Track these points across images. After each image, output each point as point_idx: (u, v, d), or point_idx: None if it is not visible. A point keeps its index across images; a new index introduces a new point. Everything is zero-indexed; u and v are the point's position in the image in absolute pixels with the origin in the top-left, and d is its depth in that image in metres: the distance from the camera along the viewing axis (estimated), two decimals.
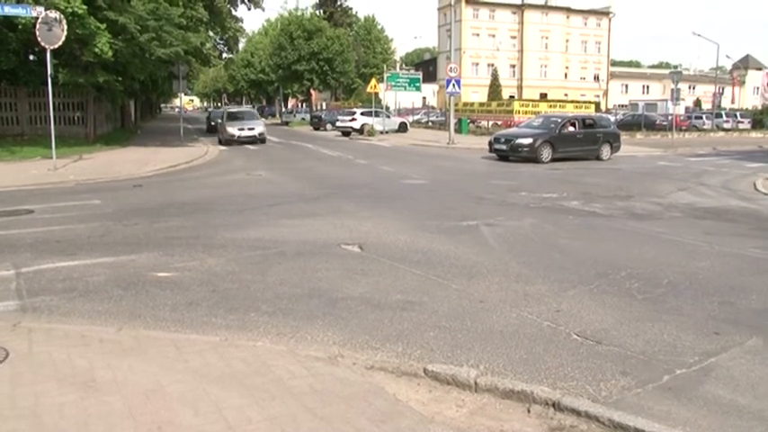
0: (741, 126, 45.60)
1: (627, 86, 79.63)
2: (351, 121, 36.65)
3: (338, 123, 38.42)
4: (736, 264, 6.99)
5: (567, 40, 75.42)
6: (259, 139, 26.83)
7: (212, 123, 36.26)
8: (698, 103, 65.01)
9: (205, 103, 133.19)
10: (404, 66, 74.66)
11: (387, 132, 35.63)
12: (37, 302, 5.44)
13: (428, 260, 6.92)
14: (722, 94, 57.59)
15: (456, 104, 33.91)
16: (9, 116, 24.03)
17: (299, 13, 61.28)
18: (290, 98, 72.19)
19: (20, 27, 18.07)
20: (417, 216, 9.78)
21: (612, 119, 32.61)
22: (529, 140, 19.73)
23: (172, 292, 5.73)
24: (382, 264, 6.76)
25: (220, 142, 26.94)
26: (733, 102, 63.37)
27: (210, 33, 30.21)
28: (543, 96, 59.00)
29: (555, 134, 20.14)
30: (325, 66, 57.31)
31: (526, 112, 33.59)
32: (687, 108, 56.00)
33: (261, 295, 5.67)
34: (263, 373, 3.85)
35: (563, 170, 17.57)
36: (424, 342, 4.58)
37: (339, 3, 67.41)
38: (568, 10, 74.91)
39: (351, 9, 70.13)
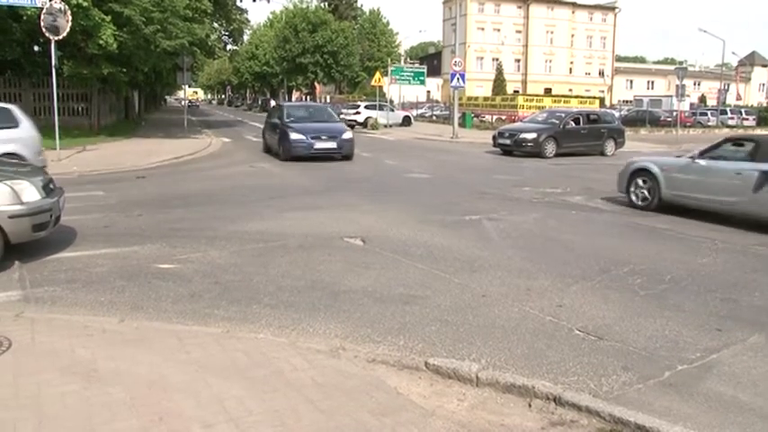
0: (746, 123, 45.28)
1: (632, 82, 79.39)
2: (355, 114, 36.57)
3: (342, 116, 38.34)
4: (738, 260, 6.98)
5: (573, 35, 75.13)
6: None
7: (275, 132, 17.88)
8: (703, 99, 64.61)
9: (209, 96, 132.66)
10: (408, 59, 74.41)
11: (391, 126, 35.57)
12: (40, 293, 5.45)
13: (431, 254, 6.92)
14: (727, 90, 57.22)
15: (460, 99, 33.83)
16: None
17: (304, 5, 61.30)
18: (294, 91, 72.15)
19: (24, 18, 18.06)
20: (420, 210, 9.77)
21: (617, 114, 32.50)
22: (533, 135, 19.67)
23: (174, 284, 5.74)
24: (385, 257, 6.76)
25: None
26: (738, 99, 62.94)
27: (215, 25, 30.21)
28: (548, 91, 58.76)
29: (559, 129, 20.07)
30: (330, 59, 57.35)
31: (530, 107, 33.43)
32: (692, 104, 55.66)
33: (263, 287, 5.68)
34: (264, 365, 3.86)
35: (567, 165, 17.53)
36: (426, 336, 4.59)
37: None
38: (574, 5, 74.61)
39: (356, 2, 70.04)
